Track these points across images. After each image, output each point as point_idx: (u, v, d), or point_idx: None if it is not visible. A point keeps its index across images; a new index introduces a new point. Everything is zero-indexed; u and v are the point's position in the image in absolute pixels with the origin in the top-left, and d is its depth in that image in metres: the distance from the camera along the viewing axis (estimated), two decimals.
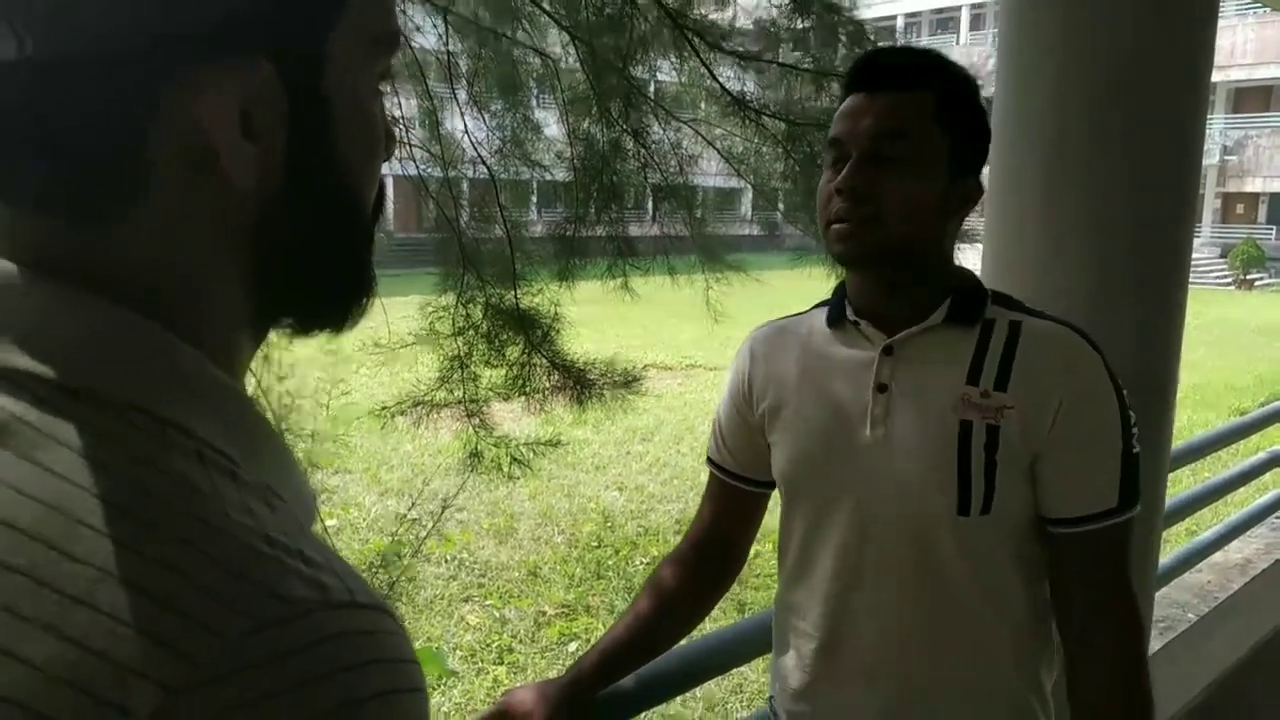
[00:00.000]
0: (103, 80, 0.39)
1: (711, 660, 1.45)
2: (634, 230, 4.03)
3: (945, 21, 33.51)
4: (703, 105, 3.70)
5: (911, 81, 1.07)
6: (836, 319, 1.16)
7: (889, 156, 1.04)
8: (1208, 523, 4.91)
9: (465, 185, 3.94)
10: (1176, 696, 2.72)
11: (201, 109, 0.41)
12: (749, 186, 4.24)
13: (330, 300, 0.51)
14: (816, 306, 1.24)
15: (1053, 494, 1.06)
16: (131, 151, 0.41)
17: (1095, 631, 1.08)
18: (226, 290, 0.46)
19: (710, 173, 4.37)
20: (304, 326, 0.52)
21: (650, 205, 3.85)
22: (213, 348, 0.44)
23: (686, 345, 12.44)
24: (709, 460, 1.30)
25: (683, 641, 1.31)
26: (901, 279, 1.10)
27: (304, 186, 0.45)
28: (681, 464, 7.71)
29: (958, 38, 31.11)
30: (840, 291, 1.18)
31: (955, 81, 1.09)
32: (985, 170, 1.17)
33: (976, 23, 32.54)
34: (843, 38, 3.37)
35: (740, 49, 3.24)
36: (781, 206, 4.19)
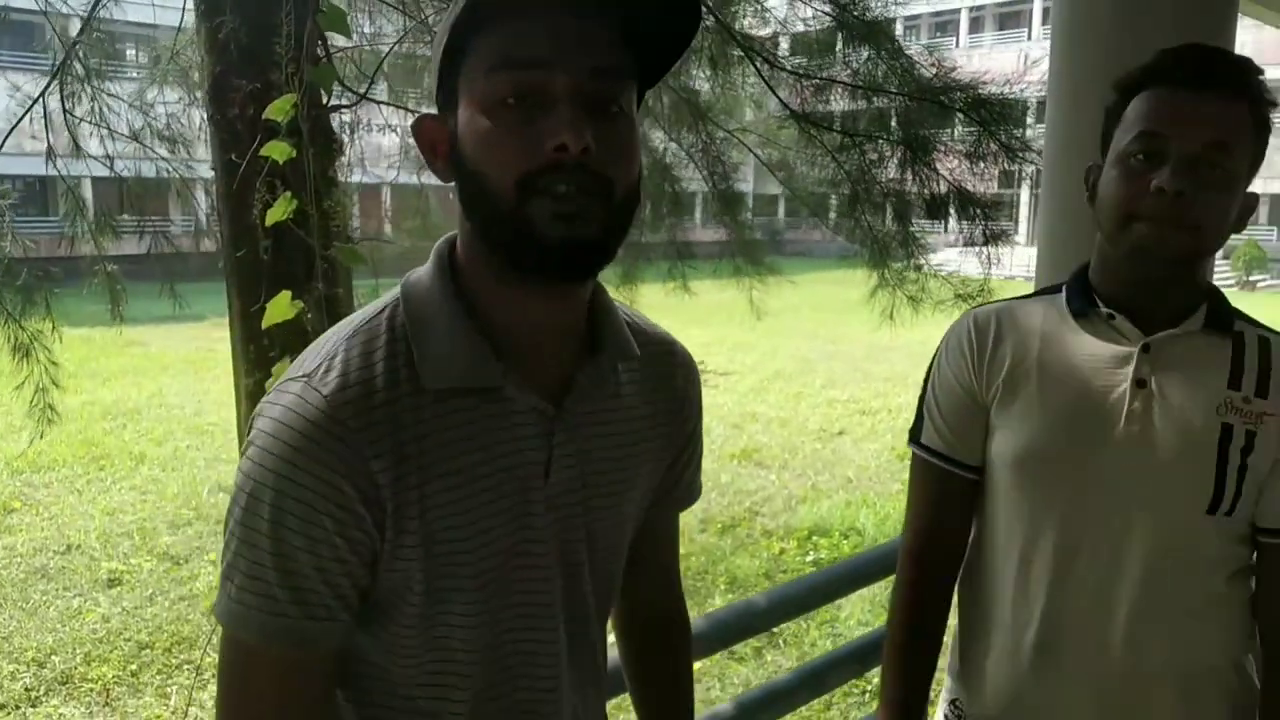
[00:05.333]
0: None
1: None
2: (664, 235, 4.19)
3: (944, 25, 33.68)
4: (750, 114, 3.88)
5: (1238, 88, 1.05)
6: (1084, 310, 1.16)
7: (1211, 165, 1.03)
8: None
9: None
10: None
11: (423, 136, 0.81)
12: (786, 192, 4.40)
13: (505, 250, 0.75)
14: (1039, 293, 1.24)
15: (1269, 500, 1.09)
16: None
17: None
18: (467, 236, 0.80)
19: (747, 179, 4.54)
20: (514, 270, 0.76)
21: (699, 211, 4.02)
22: (465, 268, 0.81)
23: (696, 350, 12.57)
24: (916, 443, 1.26)
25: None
26: (1174, 281, 1.11)
27: (458, 179, 0.77)
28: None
29: (956, 40, 31.32)
30: (1080, 281, 1.18)
31: (1265, 93, 1.07)
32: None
33: (975, 25, 32.70)
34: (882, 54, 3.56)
35: (788, 65, 3.43)
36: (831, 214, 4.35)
